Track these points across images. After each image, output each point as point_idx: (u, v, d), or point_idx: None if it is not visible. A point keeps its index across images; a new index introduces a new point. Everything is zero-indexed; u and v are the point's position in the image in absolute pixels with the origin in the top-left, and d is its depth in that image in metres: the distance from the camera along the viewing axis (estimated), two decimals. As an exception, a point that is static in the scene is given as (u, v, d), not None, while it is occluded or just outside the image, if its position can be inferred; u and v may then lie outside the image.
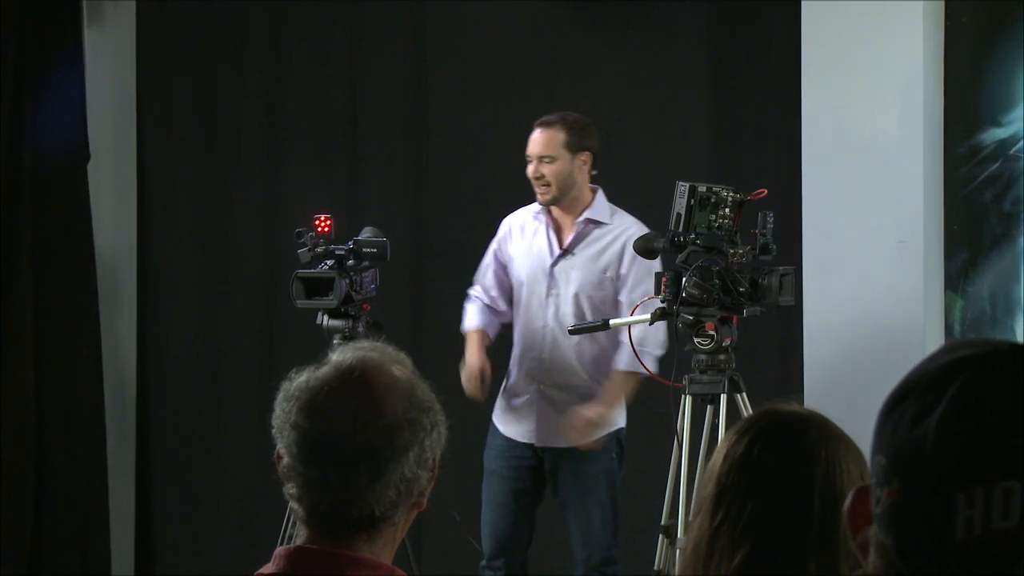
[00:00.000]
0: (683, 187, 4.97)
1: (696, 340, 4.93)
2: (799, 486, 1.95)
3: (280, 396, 2.11)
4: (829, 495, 1.92)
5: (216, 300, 6.78)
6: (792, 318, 5.60)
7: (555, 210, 5.24)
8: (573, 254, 5.19)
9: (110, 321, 6.76)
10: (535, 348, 5.18)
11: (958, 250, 5.38)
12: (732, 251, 4.92)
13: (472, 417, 5.20)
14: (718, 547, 1.94)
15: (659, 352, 5.11)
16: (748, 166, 5.94)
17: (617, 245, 5.17)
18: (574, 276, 5.15)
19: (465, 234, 5.98)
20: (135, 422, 6.84)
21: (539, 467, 5.22)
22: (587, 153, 5.20)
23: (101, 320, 6.69)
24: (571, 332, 5.17)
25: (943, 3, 5.39)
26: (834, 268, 5.54)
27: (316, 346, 5.17)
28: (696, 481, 4.91)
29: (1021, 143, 5.29)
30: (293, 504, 2.09)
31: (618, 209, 5.27)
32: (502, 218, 5.43)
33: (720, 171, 5.78)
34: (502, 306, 5.29)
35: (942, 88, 5.39)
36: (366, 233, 5.23)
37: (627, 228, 5.20)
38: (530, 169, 5.19)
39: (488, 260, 5.35)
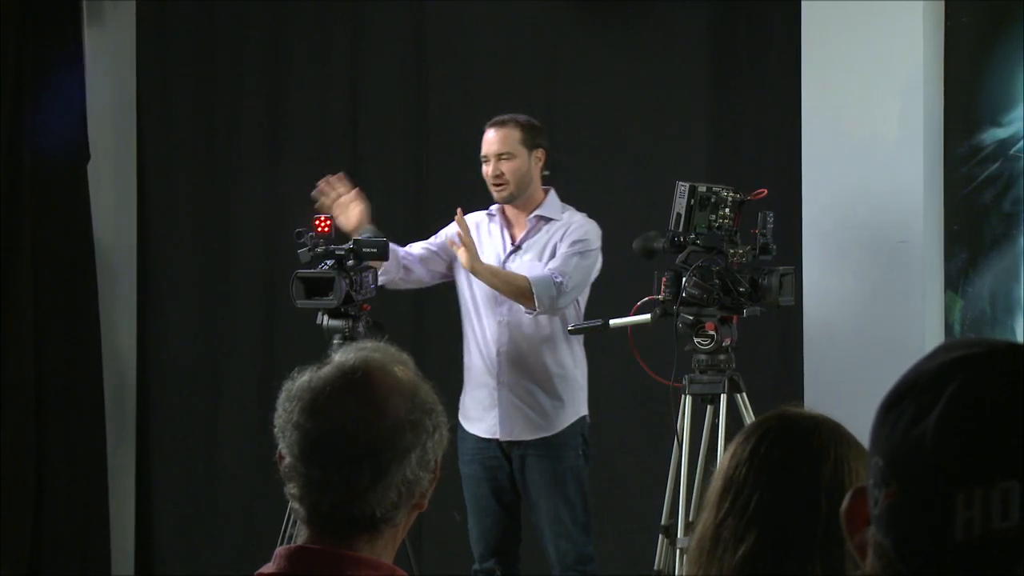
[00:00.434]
0: (683, 187, 4.98)
1: (696, 340, 4.94)
2: (806, 483, 1.95)
3: (282, 396, 2.11)
4: (836, 495, 1.91)
5: (216, 300, 6.78)
6: (792, 318, 5.60)
7: (509, 209, 5.30)
8: (523, 249, 5.22)
9: (110, 321, 6.76)
10: (492, 343, 5.20)
11: (958, 250, 5.38)
12: (732, 251, 4.93)
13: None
14: (722, 541, 1.94)
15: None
16: (748, 166, 5.94)
17: (560, 233, 5.20)
18: (525, 269, 5.18)
19: (465, 234, 5.98)
20: (135, 422, 6.84)
21: (510, 464, 5.23)
22: (541, 150, 5.28)
23: (101, 320, 6.69)
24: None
25: (943, 3, 5.39)
26: (834, 268, 5.54)
27: (316, 346, 5.17)
28: (697, 481, 4.91)
29: (1021, 143, 5.29)
30: (294, 504, 2.09)
31: (569, 207, 5.30)
32: (502, 218, 5.44)
33: (720, 171, 5.78)
34: (412, 268, 5.30)
35: (942, 88, 5.39)
36: (366, 233, 5.22)
37: (574, 220, 5.24)
38: (488, 168, 5.23)
39: (424, 242, 5.36)
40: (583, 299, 5.27)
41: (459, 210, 5.15)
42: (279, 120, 6.71)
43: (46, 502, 6.49)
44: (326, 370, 2.10)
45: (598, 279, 5.36)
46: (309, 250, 5.14)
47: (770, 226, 5.00)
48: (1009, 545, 1.17)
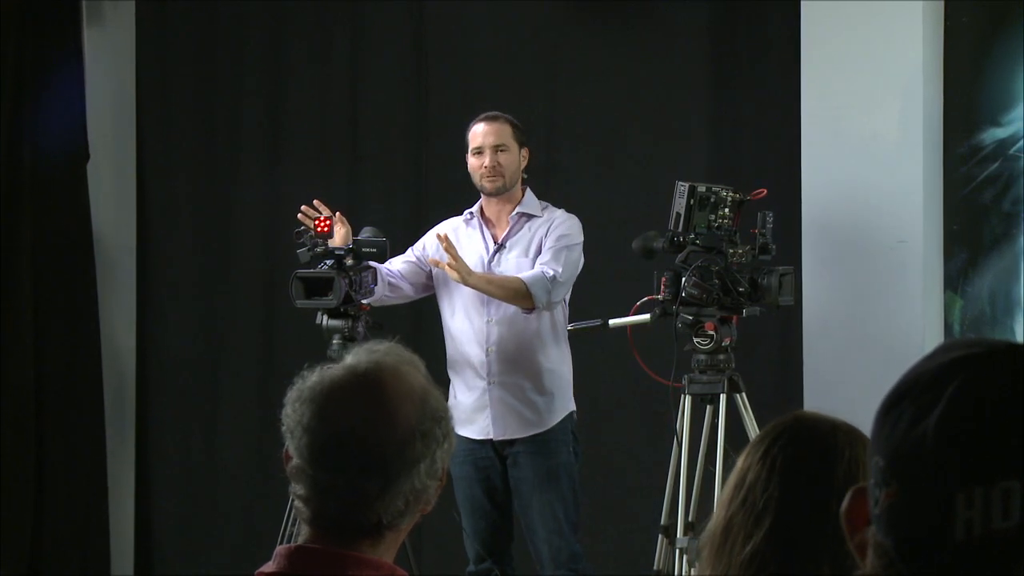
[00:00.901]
0: (683, 187, 4.98)
1: (696, 340, 4.94)
2: (818, 483, 1.94)
3: (293, 395, 2.09)
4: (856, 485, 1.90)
5: (216, 300, 6.78)
6: (792, 318, 5.60)
7: (489, 208, 5.31)
8: (507, 247, 5.24)
9: (110, 321, 6.76)
10: (481, 344, 5.20)
11: (958, 250, 5.38)
12: (732, 251, 4.93)
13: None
14: (731, 536, 1.94)
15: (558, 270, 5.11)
16: (748, 166, 5.94)
17: (544, 228, 5.22)
18: (511, 267, 5.20)
19: (465, 234, 5.98)
20: (135, 422, 6.84)
21: (503, 463, 5.24)
22: (527, 149, 5.34)
23: (101, 320, 6.69)
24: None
25: (943, 3, 5.40)
26: (834, 268, 5.55)
27: (316, 346, 5.18)
28: (697, 481, 4.92)
29: (1021, 143, 5.29)
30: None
31: (549, 204, 5.32)
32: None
33: (720, 171, 5.78)
34: (398, 284, 5.32)
35: (942, 88, 5.39)
36: (366, 233, 5.23)
37: (556, 216, 5.28)
38: (484, 159, 5.24)
39: (403, 255, 5.37)
40: (567, 296, 5.27)
41: (441, 235, 5.15)
42: (279, 120, 6.71)
43: (46, 502, 6.49)
44: (338, 372, 2.08)
45: (599, 279, 5.36)
46: (309, 250, 5.14)
47: (770, 226, 5.00)
48: (1010, 545, 1.17)
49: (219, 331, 6.77)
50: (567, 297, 5.26)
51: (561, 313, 5.24)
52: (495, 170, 5.24)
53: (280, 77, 6.71)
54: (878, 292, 5.45)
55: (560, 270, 5.12)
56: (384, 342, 2.15)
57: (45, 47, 6.53)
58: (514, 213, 5.29)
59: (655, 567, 4.98)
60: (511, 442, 5.22)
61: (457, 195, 5.99)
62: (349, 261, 5.14)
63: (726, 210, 4.99)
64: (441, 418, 2.08)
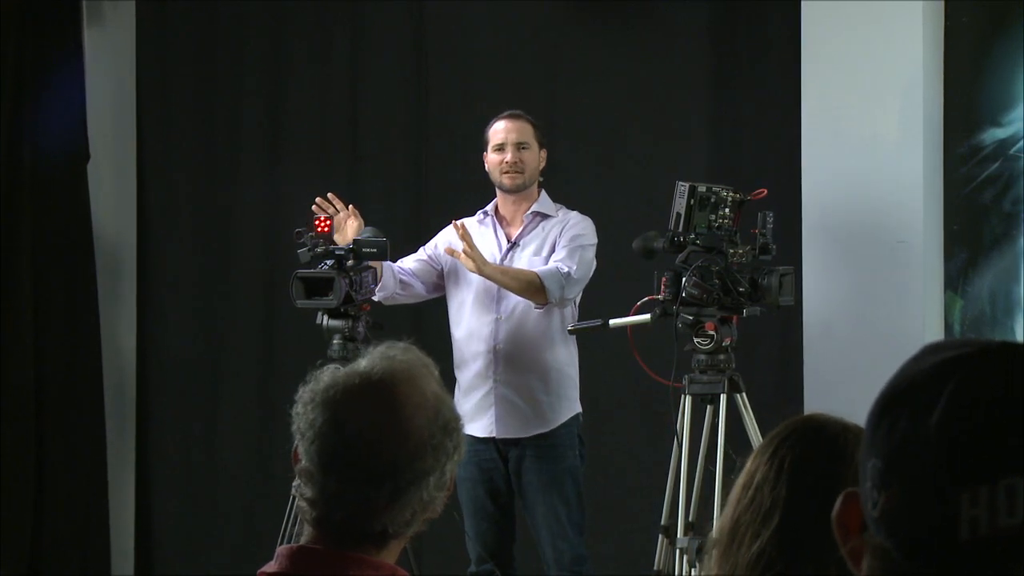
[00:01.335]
0: (683, 187, 4.98)
1: (696, 340, 4.94)
2: (825, 484, 1.93)
3: (306, 395, 2.07)
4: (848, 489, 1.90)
5: (216, 300, 6.78)
6: (792, 318, 5.60)
7: (504, 207, 5.32)
8: (520, 246, 5.25)
9: (110, 321, 6.76)
10: (489, 342, 5.21)
11: (958, 250, 5.38)
12: (732, 251, 4.93)
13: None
14: (738, 536, 1.93)
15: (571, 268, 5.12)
16: (748, 166, 5.94)
17: (558, 228, 5.23)
18: (524, 266, 5.19)
19: (465, 234, 5.98)
20: (135, 422, 6.84)
21: (506, 465, 5.24)
22: (545, 151, 5.36)
23: (101, 320, 6.69)
24: (570, 331, 5.18)
25: (943, 3, 5.40)
26: (834, 268, 5.55)
27: (316, 346, 5.18)
28: (697, 481, 4.92)
29: (1021, 143, 5.29)
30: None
31: (563, 206, 5.33)
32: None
33: (720, 171, 5.78)
34: (409, 283, 5.33)
35: (942, 88, 5.39)
36: (366, 233, 5.23)
37: (570, 217, 5.29)
38: (506, 156, 5.25)
39: (415, 255, 5.38)
40: (578, 297, 5.28)
41: (457, 223, 5.16)
42: (279, 120, 6.71)
43: (46, 502, 6.49)
44: (352, 377, 2.06)
45: (598, 279, 5.36)
46: (309, 250, 5.14)
47: (770, 226, 5.00)
48: (1016, 542, 1.17)
49: (219, 331, 6.77)
50: (577, 299, 5.26)
51: (571, 313, 5.25)
52: (516, 166, 5.26)
53: (280, 77, 6.71)
54: (878, 292, 5.45)
55: (574, 268, 5.13)
56: (400, 344, 2.13)
57: (45, 47, 6.53)
58: (529, 212, 5.30)
59: (655, 567, 4.98)
60: (515, 443, 5.22)
61: (457, 195, 6.00)
62: (350, 261, 5.14)
63: (726, 210, 4.99)
64: (453, 430, 2.07)
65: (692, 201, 4.95)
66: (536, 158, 5.31)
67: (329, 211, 5.30)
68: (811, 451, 1.96)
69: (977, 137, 5.35)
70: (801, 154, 5.62)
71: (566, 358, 5.25)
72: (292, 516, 4.86)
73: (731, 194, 5.00)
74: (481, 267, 5.05)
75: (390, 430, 2.03)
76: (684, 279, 4.87)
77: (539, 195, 5.34)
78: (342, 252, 5.14)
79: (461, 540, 5.39)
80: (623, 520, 6.00)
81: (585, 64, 6.26)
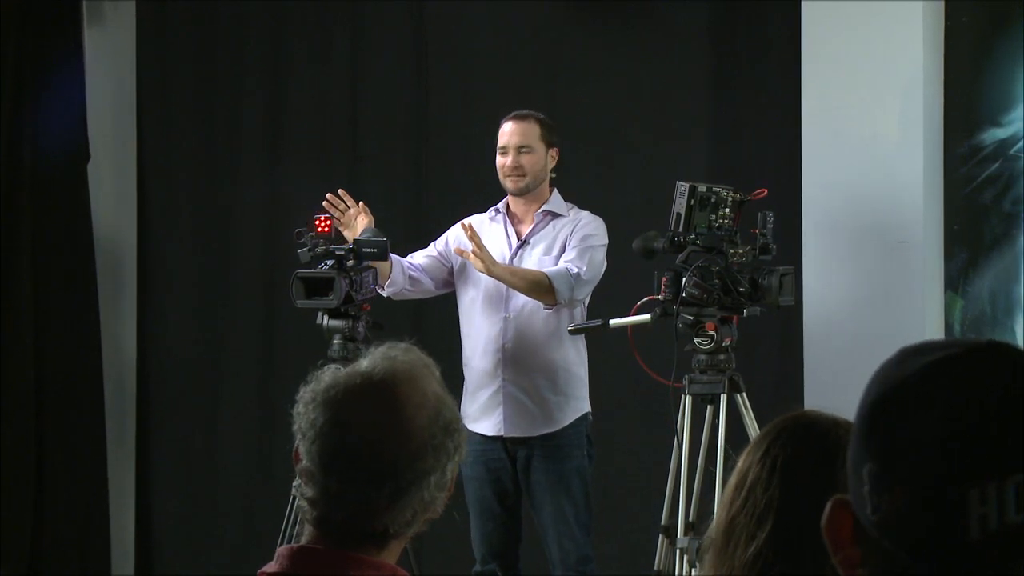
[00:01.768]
0: (683, 187, 4.98)
1: (696, 340, 4.94)
2: (820, 483, 1.92)
3: (307, 395, 2.07)
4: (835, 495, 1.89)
5: (216, 300, 6.78)
6: (792, 318, 5.60)
7: (515, 206, 5.32)
8: (530, 244, 5.25)
9: (110, 321, 6.76)
10: (497, 341, 5.21)
11: (958, 250, 5.38)
12: (732, 251, 4.93)
13: (472, 417, 5.21)
14: (733, 538, 1.93)
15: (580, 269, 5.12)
16: (748, 166, 5.94)
17: (569, 228, 5.23)
18: (532, 265, 5.20)
19: (465, 234, 5.98)
20: (135, 422, 6.84)
21: (514, 465, 5.24)
22: (556, 149, 5.34)
23: (101, 320, 6.69)
24: (571, 332, 5.17)
25: (943, 3, 5.40)
26: (834, 268, 5.55)
27: (316, 346, 5.18)
28: (697, 481, 4.92)
29: (1021, 143, 5.29)
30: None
31: (575, 205, 5.33)
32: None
33: (720, 171, 5.78)
34: (418, 279, 5.33)
35: (942, 88, 5.39)
36: (366, 233, 5.23)
37: (582, 217, 5.29)
38: (507, 160, 5.26)
39: (425, 250, 5.38)
40: (587, 298, 5.28)
41: (467, 224, 5.16)
42: (279, 120, 6.71)
43: (46, 502, 6.49)
44: (354, 377, 2.06)
45: (599, 279, 5.36)
46: (309, 250, 5.14)
47: (770, 226, 5.00)
48: None
49: (219, 331, 6.77)
50: (587, 299, 5.26)
51: (580, 313, 5.25)
52: (517, 170, 5.25)
53: (280, 77, 6.71)
54: (878, 292, 5.45)
55: (584, 268, 5.13)
56: (401, 344, 2.13)
57: (45, 47, 6.53)
58: (540, 211, 5.30)
59: (655, 567, 4.98)
60: (523, 442, 5.22)
61: (457, 195, 6.00)
62: (350, 261, 5.14)
63: (726, 210, 4.99)
64: (454, 430, 2.07)
65: (692, 201, 4.95)
66: (541, 160, 5.29)
67: (340, 207, 5.30)
68: (803, 449, 1.96)
69: (977, 137, 5.35)
70: (801, 154, 5.62)
71: (575, 358, 5.25)
72: (292, 516, 4.86)
73: (731, 194, 5.00)
74: (490, 267, 5.05)
75: (391, 430, 2.03)
76: (684, 279, 4.87)
77: (551, 194, 5.33)
78: (342, 252, 5.14)
79: (462, 540, 5.38)
80: (623, 520, 6.00)
81: (585, 64, 6.26)
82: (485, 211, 5.40)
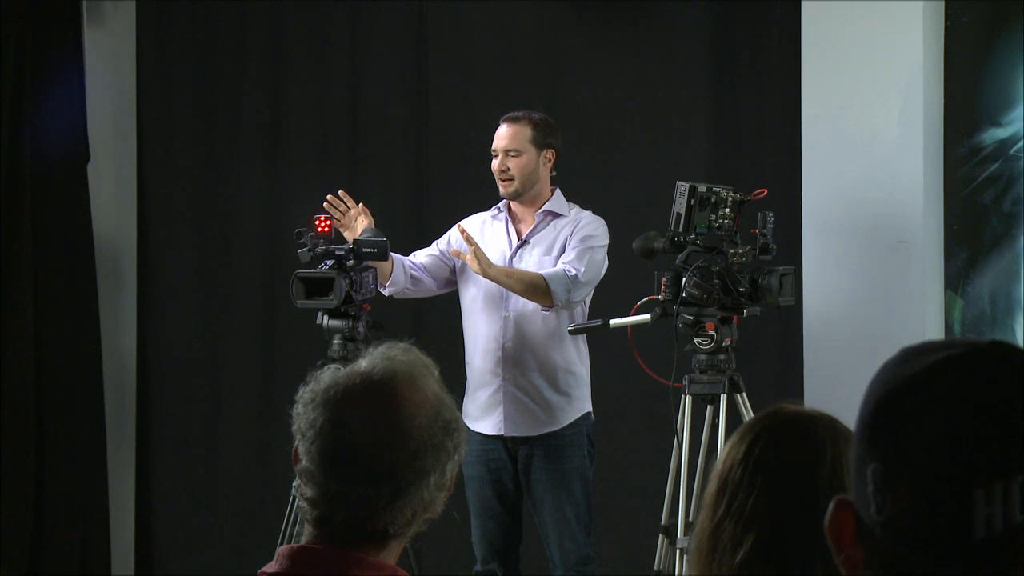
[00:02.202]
0: (683, 187, 4.98)
1: (696, 340, 4.94)
2: (803, 484, 1.92)
3: (306, 396, 2.07)
4: (836, 493, 1.87)
5: (216, 300, 6.78)
6: (792, 318, 5.60)
7: (516, 206, 5.31)
8: (531, 244, 5.24)
9: (110, 321, 6.76)
10: (497, 340, 5.21)
11: (958, 250, 5.38)
12: (732, 251, 4.93)
13: (472, 417, 5.21)
14: (720, 544, 1.92)
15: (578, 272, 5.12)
16: (748, 166, 5.94)
17: (569, 228, 5.22)
18: (532, 264, 5.20)
19: (465, 234, 5.98)
20: (135, 422, 6.84)
21: (515, 465, 5.24)
22: (551, 151, 5.29)
23: (101, 320, 6.69)
24: (571, 332, 5.17)
25: (943, 3, 5.40)
26: (834, 268, 5.55)
27: (316, 346, 5.18)
28: (697, 481, 4.92)
29: (1021, 143, 5.29)
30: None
31: (575, 205, 5.31)
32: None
33: (720, 171, 5.78)
34: (420, 278, 5.33)
35: (942, 88, 5.39)
36: (366, 233, 5.23)
37: (583, 217, 5.27)
38: (495, 163, 5.24)
39: (427, 249, 5.39)
40: (588, 297, 5.28)
41: (460, 228, 5.17)
42: (279, 120, 6.71)
43: (46, 502, 6.49)
44: (353, 377, 2.07)
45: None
46: (309, 250, 5.14)
47: (770, 226, 5.00)
48: None
49: (219, 331, 6.77)
50: (588, 299, 5.26)
51: (581, 313, 5.24)
52: (504, 174, 5.25)
53: (280, 77, 6.71)
54: (879, 292, 5.45)
55: (582, 270, 5.12)
56: (400, 344, 2.13)
57: (45, 47, 6.53)
58: (540, 211, 5.29)
59: (655, 567, 4.98)
60: (524, 441, 5.22)
61: (457, 195, 6.00)
62: (350, 261, 5.14)
63: (726, 210, 4.99)
64: (454, 430, 2.07)
65: (692, 201, 4.95)
66: (531, 163, 5.26)
67: (341, 208, 5.31)
68: (784, 449, 1.95)
69: (977, 137, 5.35)
70: (801, 154, 5.62)
71: (575, 357, 5.25)
72: (292, 516, 4.86)
73: (731, 194, 5.00)
74: (485, 269, 5.05)
75: (390, 430, 2.03)
76: (684, 279, 4.87)
77: (552, 193, 5.33)
78: (342, 252, 5.14)
79: (462, 540, 5.39)
80: (623, 520, 6.00)
81: (585, 64, 6.26)
82: (487, 209, 5.40)
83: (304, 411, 2.06)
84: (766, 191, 5.03)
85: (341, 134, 6.64)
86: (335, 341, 5.16)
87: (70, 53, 6.60)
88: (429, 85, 6.50)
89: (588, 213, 5.31)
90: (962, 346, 1.25)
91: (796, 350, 5.67)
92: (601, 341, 5.45)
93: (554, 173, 5.33)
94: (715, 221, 4.98)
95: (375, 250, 5.13)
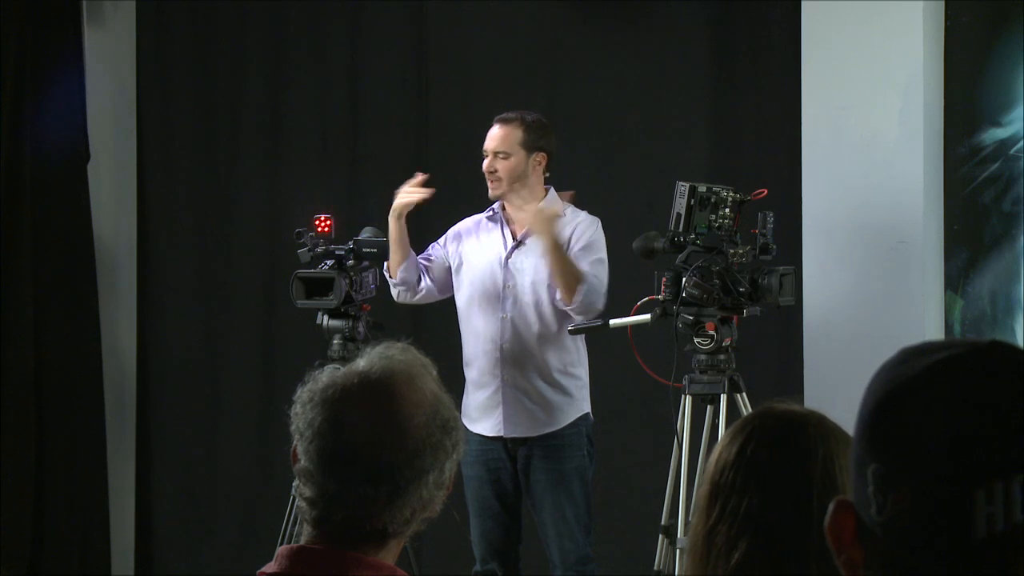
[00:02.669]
0: (683, 187, 4.98)
1: (696, 340, 4.94)
2: (796, 485, 1.92)
3: (304, 396, 2.07)
4: (829, 493, 1.87)
5: (216, 300, 6.78)
6: (792, 318, 5.60)
7: (510, 208, 5.29)
8: (526, 244, 5.23)
9: (110, 321, 6.76)
10: (495, 341, 5.20)
11: (958, 250, 5.38)
12: (732, 251, 4.93)
13: (472, 417, 5.21)
14: (714, 547, 1.92)
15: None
16: (748, 166, 5.95)
17: (567, 230, 5.20)
18: (528, 265, 5.20)
19: (465, 234, 5.98)
20: (135, 422, 6.84)
21: (514, 464, 5.24)
22: (542, 153, 5.26)
23: (101, 320, 6.69)
24: (571, 332, 5.17)
25: (943, 3, 5.40)
26: (834, 268, 5.55)
27: (316, 346, 5.18)
28: (697, 481, 4.92)
29: (1021, 143, 5.29)
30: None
31: (571, 205, 5.30)
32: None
33: (720, 171, 5.78)
34: (425, 271, 5.33)
35: (942, 88, 5.39)
36: (366, 233, 5.23)
37: (577, 217, 5.25)
38: (484, 164, 5.23)
39: (423, 254, 5.39)
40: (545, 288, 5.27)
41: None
42: (279, 119, 6.71)
43: (46, 502, 6.49)
44: (351, 376, 2.07)
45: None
46: (309, 250, 5.14)
47: (770, 226, 5.00)
48: None
49: (219, 331, 6.77)
50: None
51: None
52: (492, 176, 5.25)
53: (280, 77, 6.71)
54: (879, 292, 5.45)
55: (605, 283, 5.12)
56: (398, 344, 2.14)
57: (45, 47, 6.53)
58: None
59: (655, 567, 4.98)
60: (523, 442, 5.22)
61: (457, 195, 6.00)
62: (350, 261, 5.14)
63: (727, 210, 4.99)
64: (452, 429, 2.07)
65: (692, 201, 4.95)
66: (520, 165, 5.24)
67: (424, 195, 5.28)
68: (777, 450, 1.95)
69: (977, 137, 5.35)
70: (801, 154, 5.62)
71: (575, 358, 5.25)
72: (292, 516, 4.86)
73: (731, 194, 5.00)
74: (550, 228, 5.03)
75: (389, 429, 2.03)
76: (684, 279, 4.87)
77: (546, 194, 5.32)
78: (342, 252, 5.14)
79: (461, 540, 5.39)
80: (623, 520, 6.00)
81: (585, 64, 6.26)
82: (488, 207, 5.40)
83: (302, 411, 2.06)
84: (766, 191, 5.03)
85: (341, 134, 6.64)
86: (335, 341, 5.16)
87: (70, 53, 6.60)
88: (429, 85, 6.50)
89: (584, 214, 5.29)
90: (962, 346, 1.25)
91: (796, 350, 5.67)
92: (601, 341, 5.45)
93: (547, 174, 5.31)
94: (715, 221, 4.98)
95: (375, 250, 5.13)
